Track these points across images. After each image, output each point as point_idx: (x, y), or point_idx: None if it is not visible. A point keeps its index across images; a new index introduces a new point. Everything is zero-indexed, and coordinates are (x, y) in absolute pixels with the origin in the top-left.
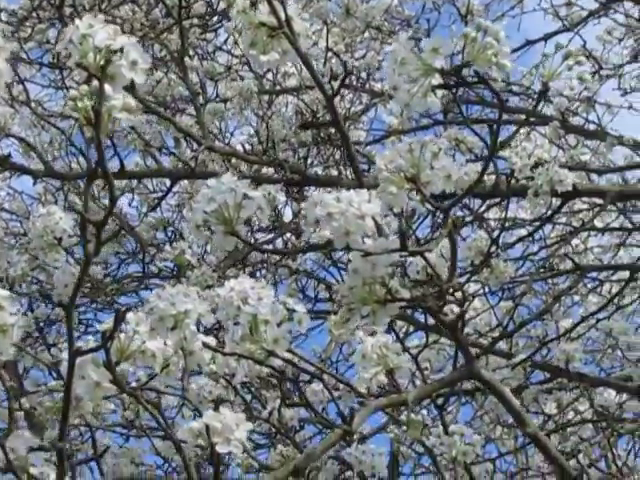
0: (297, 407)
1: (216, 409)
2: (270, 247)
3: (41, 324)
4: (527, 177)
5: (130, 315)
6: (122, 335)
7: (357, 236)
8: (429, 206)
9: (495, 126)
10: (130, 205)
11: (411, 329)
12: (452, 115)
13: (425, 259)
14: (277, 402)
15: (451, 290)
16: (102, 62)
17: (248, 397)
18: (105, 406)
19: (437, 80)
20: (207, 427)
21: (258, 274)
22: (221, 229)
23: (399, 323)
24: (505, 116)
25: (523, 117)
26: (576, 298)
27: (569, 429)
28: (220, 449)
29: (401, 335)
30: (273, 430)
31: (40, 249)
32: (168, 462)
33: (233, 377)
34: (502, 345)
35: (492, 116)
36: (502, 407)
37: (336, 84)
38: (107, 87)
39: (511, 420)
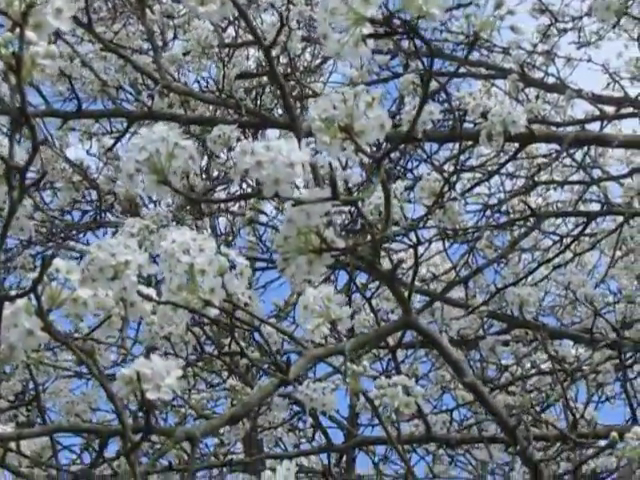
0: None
1: (147, 356)
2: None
3: None
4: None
5: (59, 262)
6: (54, 283)
7: (286, 185)
8: (363, 156)
9: (426, 76)
10: (88, 153)
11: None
12: (411, 68)
13: (357, 208)
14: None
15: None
16: (23, 9)
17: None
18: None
19: (368, 29)
20: (138, 374)
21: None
22: (153, 178)
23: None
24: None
25: (483, 70)
26: (536, 254)
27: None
28: (150, 395)
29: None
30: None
31: None
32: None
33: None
34: (460, 294)
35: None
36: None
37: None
38: (31, 34)
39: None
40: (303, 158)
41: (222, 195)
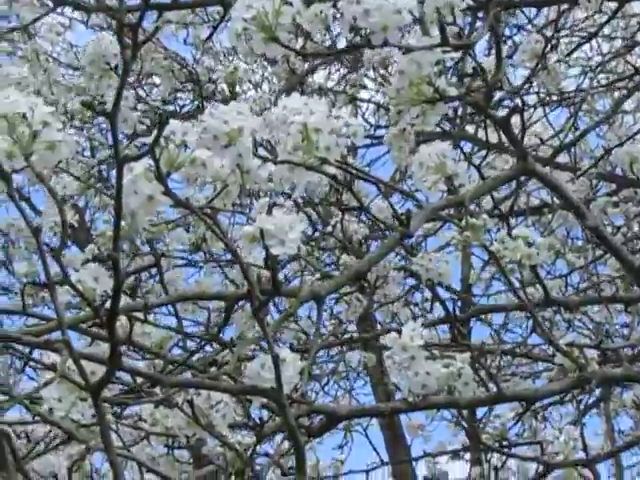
0: (354, 211)
1: (269, 213)
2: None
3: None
4: None
5: (175, 123)
6: (171, 146)
7: (395, 31)
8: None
9: None
10: (185, 43)
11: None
12: None
13: (469, 53)
14: (339, 215)
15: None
16: None
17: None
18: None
19: None
20: (261, 231)
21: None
22: (261, 36)
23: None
24: None
25: None
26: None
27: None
28: (275, 251)
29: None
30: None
31: (92, 77)
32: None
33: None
34: (565, 159)
35: None
36: (572, 221)
37: None
38: None
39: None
40: (411, 4)
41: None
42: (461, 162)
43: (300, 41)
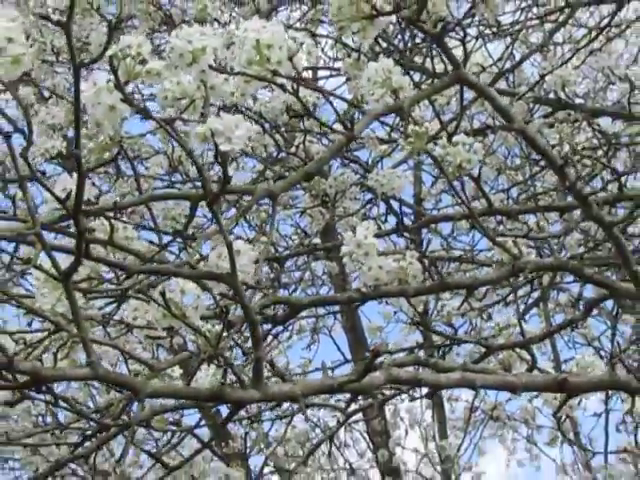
0: (301, 117)
1: (218, 115)
2: None
3: None
4: None
5: (129, 38)
6: (128, 59)
7: None
8: None
9: None
10: None
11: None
12: None
13: None
14: (302, 137)
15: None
16: None
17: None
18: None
19: None
20: (211, 130)
21: None
22: None
23: None
24: None
25: None
26: (569, 47)
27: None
28: (224, 147)
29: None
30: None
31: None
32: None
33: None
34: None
35: None
36: (512, 141)
37: None
38: None
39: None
40: None
41: None
42: (405, 77)
43: None
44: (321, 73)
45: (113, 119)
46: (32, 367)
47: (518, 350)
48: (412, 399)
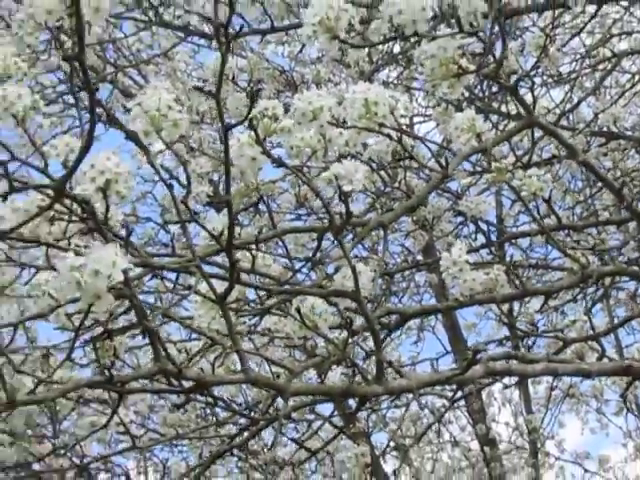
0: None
1: (339, 161)
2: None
3: None
4: None
5: (265, 102)
6: (265, 119)
7: (423, 24)
8: None
9: None
10: (283, 56)
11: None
12: None
13: (480, 39)
14: (403, 174)
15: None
16: None
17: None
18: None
19: None
20: (334, 175)
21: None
22: (326, 36)
23: None
24: None
25: None
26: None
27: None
28: (346, 188)
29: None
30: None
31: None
32: None
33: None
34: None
35: None
36: (575, 168)
37: None
38: None
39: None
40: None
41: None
42: (487, 123)
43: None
44: (416, 119)
45: (254, 168)
46: (197, 374)
47: (589, 342)
48: (505, 387)
